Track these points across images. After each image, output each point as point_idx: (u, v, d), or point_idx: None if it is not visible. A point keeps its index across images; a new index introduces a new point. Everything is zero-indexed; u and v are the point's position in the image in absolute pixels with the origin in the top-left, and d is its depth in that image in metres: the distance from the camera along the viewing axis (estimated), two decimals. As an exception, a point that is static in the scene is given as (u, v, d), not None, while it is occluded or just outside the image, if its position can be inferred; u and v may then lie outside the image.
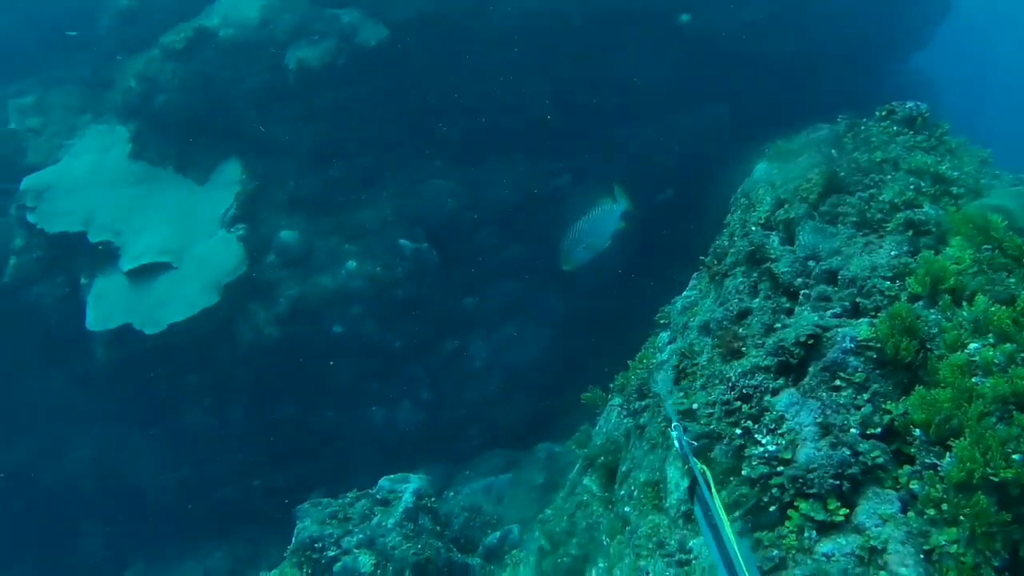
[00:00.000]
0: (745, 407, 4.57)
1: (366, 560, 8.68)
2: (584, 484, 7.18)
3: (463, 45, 13.73)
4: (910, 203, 5.41)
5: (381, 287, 13.38)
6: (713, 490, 3.76)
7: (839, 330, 4.57)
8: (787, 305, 5.29)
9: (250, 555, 13.45)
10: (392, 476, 9.84)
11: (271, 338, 12.83)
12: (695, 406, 4.89)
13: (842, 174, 5.95)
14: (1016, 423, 3.56)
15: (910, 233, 5.15)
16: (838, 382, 4.34)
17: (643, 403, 6.37)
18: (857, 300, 4.86)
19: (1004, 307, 4.08)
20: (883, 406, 4.14)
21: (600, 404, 7.76)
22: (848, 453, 3.99)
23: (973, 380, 3.84)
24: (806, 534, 3.89)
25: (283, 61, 13.23)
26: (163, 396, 13.19)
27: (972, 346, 4.04)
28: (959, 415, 3.74)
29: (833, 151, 6.30)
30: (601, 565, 6.05)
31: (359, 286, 13.25)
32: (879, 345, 4.32)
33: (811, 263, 5.37)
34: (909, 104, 6.51)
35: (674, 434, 4.74)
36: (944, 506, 3.57)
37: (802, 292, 5.23)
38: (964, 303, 4.29)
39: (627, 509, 5.80)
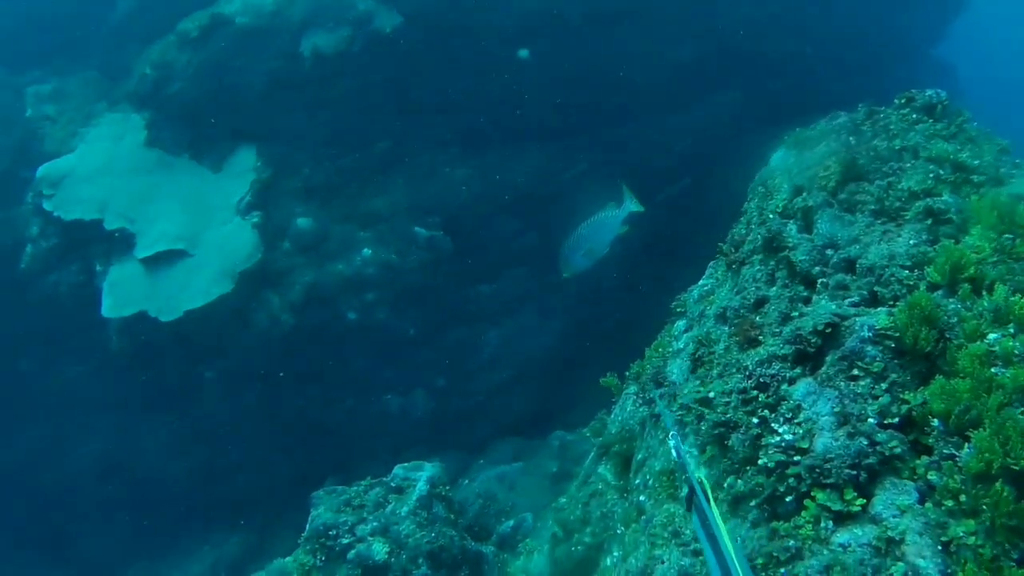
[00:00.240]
0: (762, 396, 4.54)
1: (380, 548, 8.71)
2: (599, 473, 7.18)
3: (478, 31, 13.66)
4: (929, 191, 5.37)
5: (395, 274, 13.38)
6: (711, 500, 3.71)
7: (857, 319, 4.54)
8: (805, 294, 5.27)
9: (264, 542, 13.52)
10: (406, 464, 9.86)
11: (286, 325, 12.85)
12: (712, 394, 4.87)
13: (861, 162, 5.91)
14: (1036, 413, 3.52)
15: (929, 221, 5.11)
16: (856, 371, 4.30)
17: (659, 391, 6.36)
18: (875, 289, 4.83)
19: (1025, 297, 4.04)
20: (901, 396, 4.12)
21: (616, 392, 7.74)
22: (865, 443, 3.97)
23: (993, 370, 3.82)
24: (823, 524, 3.87)
25: (298, 48, 13.19)
26: (177, 383, 13.26)
27: (992, 336, 4.01)
28: (978, 405, 3.71)
29: (851, 139, 6.26)
30: (616, 554, 6.06)
31: (373, 273, 13.26)
32: (897, 334, 4.28)
33: (829, 251, 5.34)
34: (929, 92, 6.46)
35: (671, 443, 4.73)
36: (963, 497, 3.55)
37: (820, 281, 5.21)
38: (984, 292, 4.25)
39: (642, 498, 5.80)
